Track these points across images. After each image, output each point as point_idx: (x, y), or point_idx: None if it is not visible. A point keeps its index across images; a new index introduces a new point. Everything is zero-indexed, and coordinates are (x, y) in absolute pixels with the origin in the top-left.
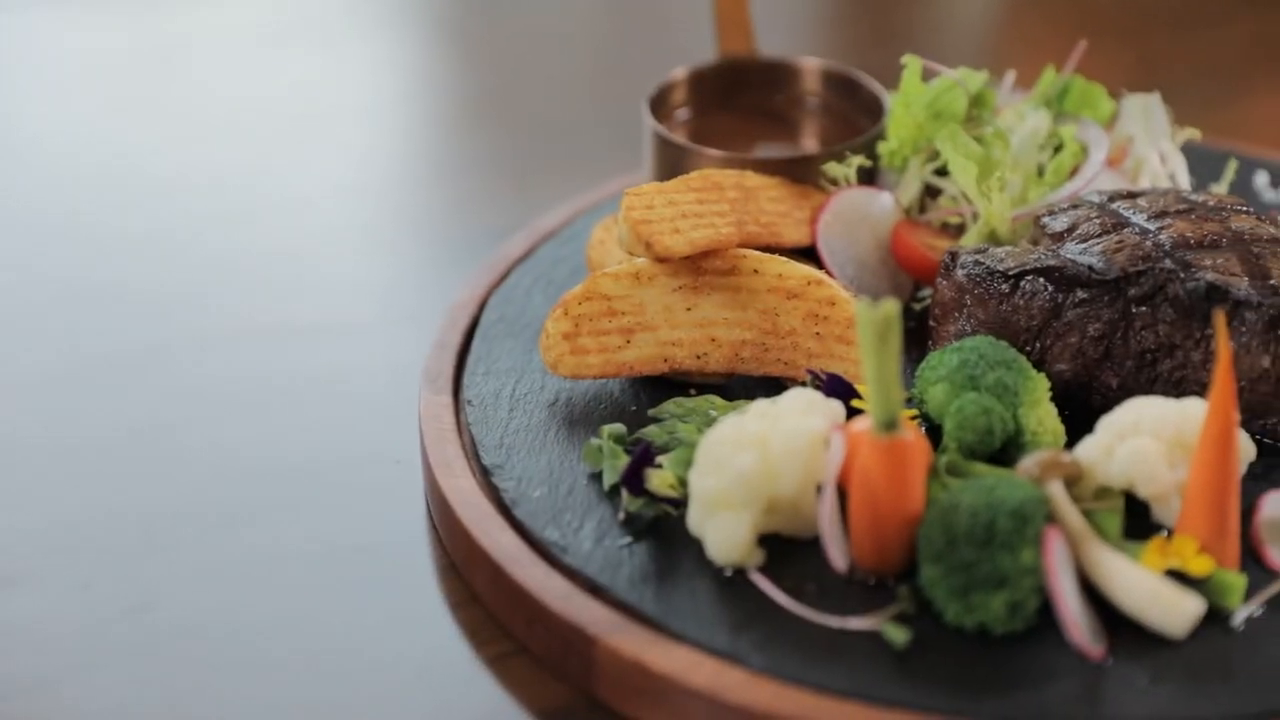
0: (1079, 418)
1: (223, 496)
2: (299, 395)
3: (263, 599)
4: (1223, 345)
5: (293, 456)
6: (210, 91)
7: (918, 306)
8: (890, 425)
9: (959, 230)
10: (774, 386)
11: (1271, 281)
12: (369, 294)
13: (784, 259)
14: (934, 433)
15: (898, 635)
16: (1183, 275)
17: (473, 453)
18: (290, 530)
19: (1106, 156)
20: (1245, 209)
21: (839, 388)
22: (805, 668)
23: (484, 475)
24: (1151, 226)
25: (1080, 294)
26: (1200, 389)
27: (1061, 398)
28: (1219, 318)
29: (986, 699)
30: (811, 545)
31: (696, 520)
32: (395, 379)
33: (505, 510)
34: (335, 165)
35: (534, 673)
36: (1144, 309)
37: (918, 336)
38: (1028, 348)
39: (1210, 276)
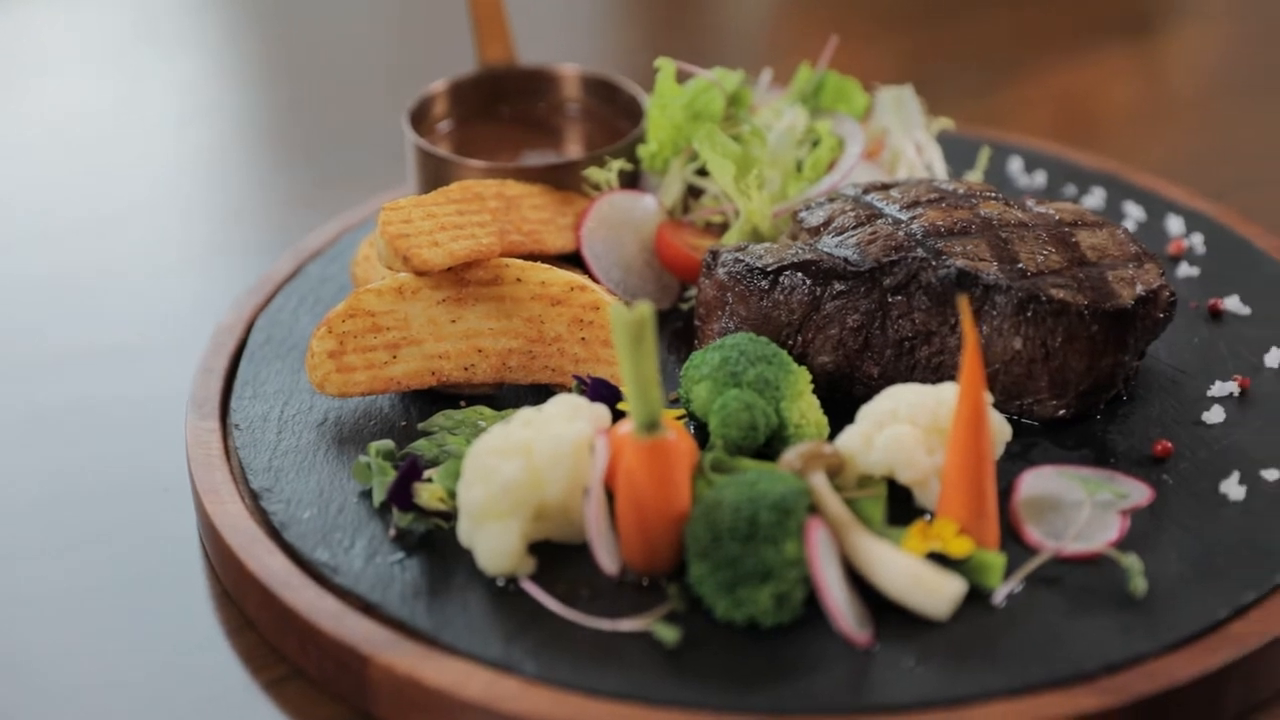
0: (844, 408)
1: None
2: (65, 425)
3: (33, 635)
4: (969, 329)
5: (59, 488)
6: None
7: (685, 306)
8: (651, 426)
9: (722, 229)
10: (544, 394)
11: (1020, 265)
12: (137, 319)
13: (547, 266)
14: (702, 431)
15: (668, 634)
16: (934, 263)
17: (241, 477)
18: (59, 564)
19: (863, 149)
20: (994, 195)
21: (603, 391)
22: (578, 672)
23: (253, 499)
24: (904, 216)
25: (838, 286)
26: (958, 373)
27: (826, 389)
28: (963, 303)
29: (757, 692)
30: (584, 550)
31: (466, 532)
32: (163, 405)
33: (275, 533)
34: (104, 191)
35: (310, 694)
36: (899, 298)
37: (686, 336)
38: (790, 342)
39: (960, 263)
